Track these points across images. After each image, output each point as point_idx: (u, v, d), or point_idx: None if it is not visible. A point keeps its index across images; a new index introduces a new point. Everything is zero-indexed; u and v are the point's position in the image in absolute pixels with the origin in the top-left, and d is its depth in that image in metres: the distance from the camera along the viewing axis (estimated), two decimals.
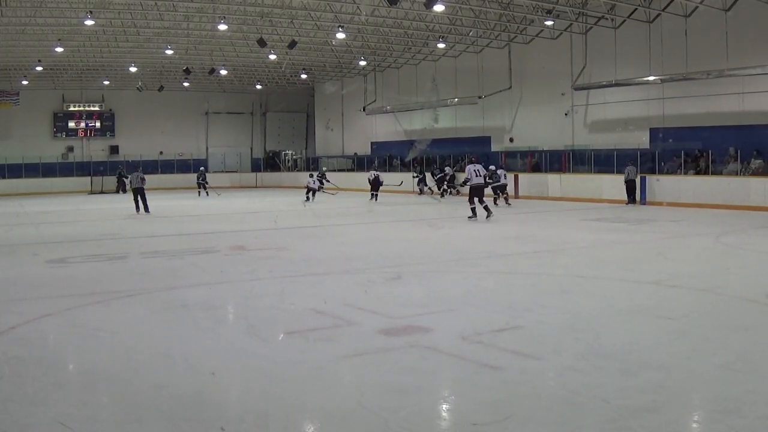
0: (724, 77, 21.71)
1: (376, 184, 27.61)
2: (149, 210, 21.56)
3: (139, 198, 21.76)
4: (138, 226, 18.45)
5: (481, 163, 18.78)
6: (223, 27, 26.43)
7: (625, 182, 22.57)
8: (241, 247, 13.45)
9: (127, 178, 34.48)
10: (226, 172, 43.25)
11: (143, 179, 22.15)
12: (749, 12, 21.05)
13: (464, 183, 18.97)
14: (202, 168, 36.03)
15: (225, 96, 43.66)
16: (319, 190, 27.71)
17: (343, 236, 15.44)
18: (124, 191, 34.32)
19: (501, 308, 7.69)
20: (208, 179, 33.40)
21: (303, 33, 29.27)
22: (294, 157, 46.29)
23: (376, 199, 26.86)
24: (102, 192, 35.98)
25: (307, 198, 26.54)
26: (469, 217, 17.46)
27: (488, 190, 20.16)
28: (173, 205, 26.60)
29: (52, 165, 37.95)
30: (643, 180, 22.80)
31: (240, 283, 9.62)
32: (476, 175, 17.33)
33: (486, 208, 17.44)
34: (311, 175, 28.50)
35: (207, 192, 32.41)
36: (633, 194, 22.48)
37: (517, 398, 4.89)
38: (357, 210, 22.38)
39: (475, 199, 17.47)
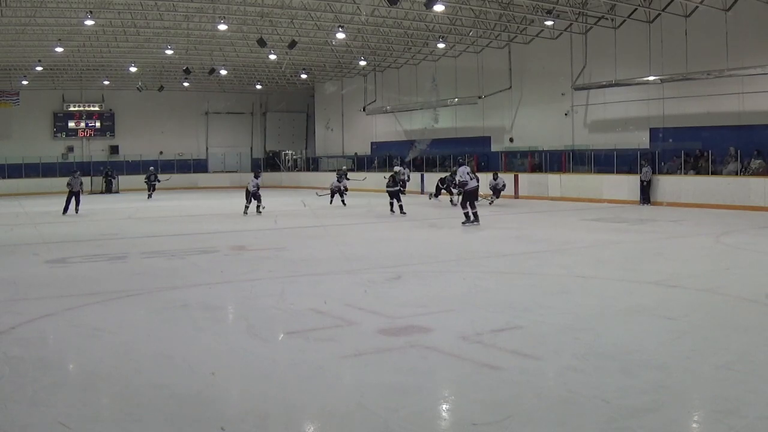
0: (724, 77, 21.68)
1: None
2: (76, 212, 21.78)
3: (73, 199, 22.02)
4: (138, 226, 18.46)
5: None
6: (223, 27, 26.42)
7: (642, 182, 22.50)
8: (241, 247, 13.46)
9: (114, 178, 34.26)
10: (226, 172, 43.24)
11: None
12: (749, 12, 21.03)
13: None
14: (151, 168, 34.13)
15: (225, 96, 43.60)
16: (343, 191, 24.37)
17: (343, 236, 15.41)
18: (110, 191, 33.96)
19: (501, 308, 7.68)
20: (160, 179, 31.80)
21: (303, 33, 29.25)
22: (294, 157, 46.28)
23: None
24: (102, 192, 35.97)
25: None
26: None
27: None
28: (173, 205, 26.59)
29: (52, 165, 37.89)
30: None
31: (240, 283, 9.61)
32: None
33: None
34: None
35: (152, 193, 30.82)
36: (647, 194, 22.49)
37: (517, 398, 4.89)
38: (357, 210, 22.36)
39: None
